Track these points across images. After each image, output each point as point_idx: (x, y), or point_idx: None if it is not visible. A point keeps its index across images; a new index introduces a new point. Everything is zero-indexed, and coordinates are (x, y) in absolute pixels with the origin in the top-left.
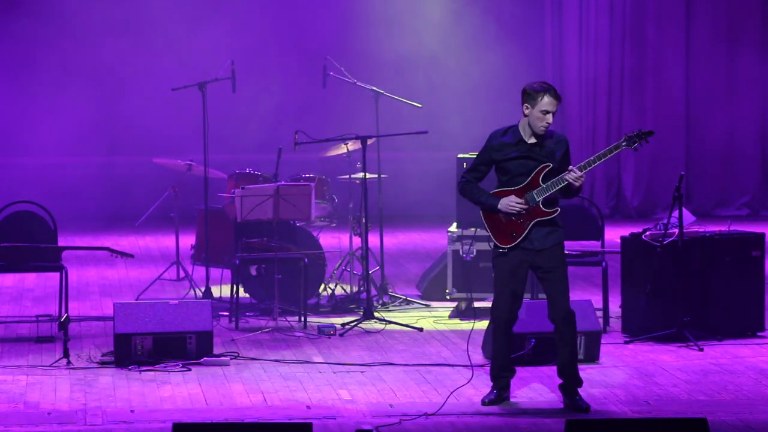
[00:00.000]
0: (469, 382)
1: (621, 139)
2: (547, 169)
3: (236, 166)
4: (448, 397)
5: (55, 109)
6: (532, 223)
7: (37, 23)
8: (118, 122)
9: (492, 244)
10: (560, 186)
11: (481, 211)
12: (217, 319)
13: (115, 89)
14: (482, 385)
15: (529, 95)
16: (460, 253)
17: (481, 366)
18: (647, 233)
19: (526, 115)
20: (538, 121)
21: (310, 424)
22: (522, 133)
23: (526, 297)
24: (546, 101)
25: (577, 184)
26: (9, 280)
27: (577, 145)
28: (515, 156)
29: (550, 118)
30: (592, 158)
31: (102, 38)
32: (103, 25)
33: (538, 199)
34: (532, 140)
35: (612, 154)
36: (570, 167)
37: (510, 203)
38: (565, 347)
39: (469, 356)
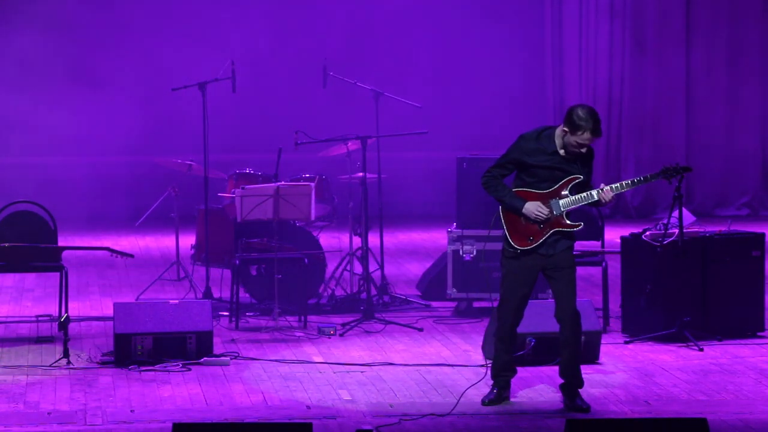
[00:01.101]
0: (478, 382)
1: (659, 169)
2: (576, 181)
3: (236, 166)
4: (459, 399)
5: (56, 110)
6: (552, 231)
7: (42, 25)
8: (119, 122)
9: (504, 243)
10: (589, 201)
11: (500, 209)
12: (217, 319)
13: (116, 89)
14: (482, 385)
15: (571, 122)
16: (460, 253)
17: (482, 366)
18: (647, 233)
19: (563, 135)
20: (571, 147)
21: (310, 424)
22: (556, 144)
23: None
24: (585, 137)
25: (605, 201)
26: (9, 280)
27: None
28: (547, 165)
29: (584, 150)
30: (625, 182)
31: (102, 39)
32: (104, 26)
33: (562, 210)
34: (564, 152)
35: (644, 183)
36: (602, 186)
37: (536, 211)
38: (568, 347)
39: (484, 358)
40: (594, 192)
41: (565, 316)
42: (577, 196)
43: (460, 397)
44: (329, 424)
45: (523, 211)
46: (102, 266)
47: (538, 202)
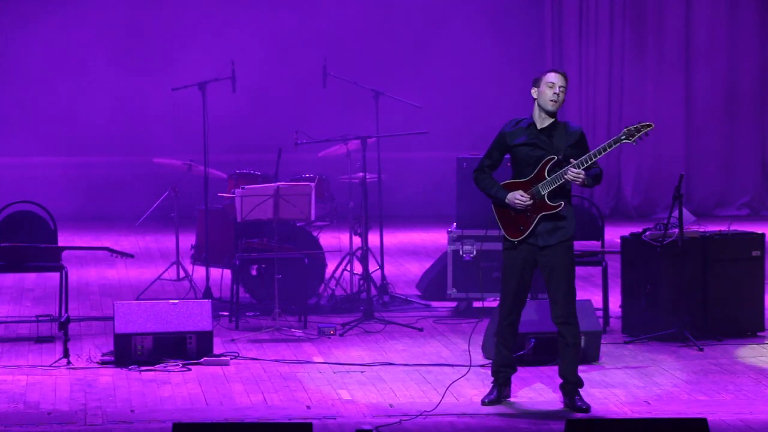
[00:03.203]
0: (463, 376)
1: (620, 132)
2: (552, 162)
3: (236, 166)
4: (443, 395)
5: (56, 109)
6: (539, 216)
7: (39, 24)
8: (118, 122)
9: (502, 238)
10: (561, 181)
11: (492, 205)
12: (217, 319)
13: (116, 89)
14: (482, 385)
15: (536, 79)
16: (460, 253)
17: (482, 366)
18: (647, 233)
19: (535, 99)
20: (546, 96)
21: (310, 424)
22: (533, 120)
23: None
24: (551, 77)
25: (577, 182)
26: (9, 280)
27: None
28: (524, 141)
29: (557, 89)
30: (591, 153)
31: (103, 39)
32: (103, 26)
33: (543, 193)
34: (545, 124)
35: (612, 149)
36: (571, 162)
37: (516, 198)
38: (566, 348)
39: (469, 355)
40: (563, 172)
41: (559, 318)
42: (553, 177)
43: (443, 395)
44: (329, 424)
45: (507, 200)
46: (102, 266)
47: (520, 190)
